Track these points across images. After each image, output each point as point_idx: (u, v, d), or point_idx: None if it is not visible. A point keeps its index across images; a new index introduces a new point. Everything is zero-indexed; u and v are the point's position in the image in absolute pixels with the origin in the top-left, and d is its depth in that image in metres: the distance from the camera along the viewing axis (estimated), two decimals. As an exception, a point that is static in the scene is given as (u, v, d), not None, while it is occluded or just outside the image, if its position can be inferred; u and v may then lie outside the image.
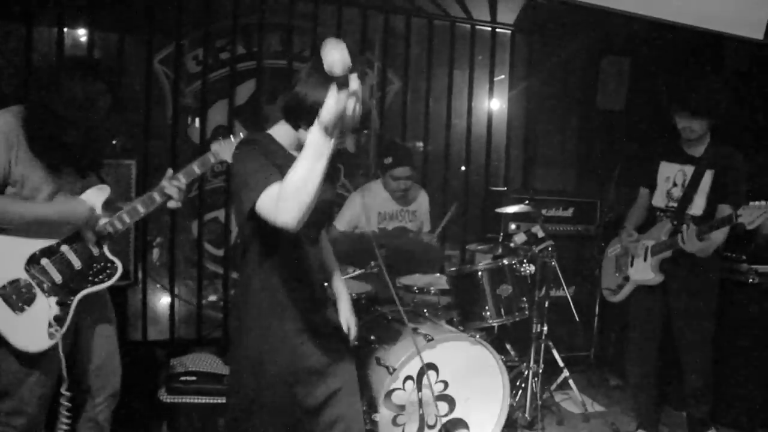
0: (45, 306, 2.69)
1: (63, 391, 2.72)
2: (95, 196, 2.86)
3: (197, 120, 5.25)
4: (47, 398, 2.77)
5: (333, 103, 1.87)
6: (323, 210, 2.44)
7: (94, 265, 2.84)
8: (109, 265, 2.87)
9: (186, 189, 3.04)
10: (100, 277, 2.84)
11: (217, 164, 3.15)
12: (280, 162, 2.22)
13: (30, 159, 2.68)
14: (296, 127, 2.33)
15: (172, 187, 2.96)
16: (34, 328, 2.66)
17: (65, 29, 4.68)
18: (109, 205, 2.92)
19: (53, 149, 2.72)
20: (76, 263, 2.79)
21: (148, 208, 2.94)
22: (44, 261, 2.73)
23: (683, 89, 3.77)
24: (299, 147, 2.23)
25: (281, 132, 2.39)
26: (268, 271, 2.34)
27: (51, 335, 2.66)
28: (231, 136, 3.16)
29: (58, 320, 2.70)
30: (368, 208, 4.44)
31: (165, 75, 5.15)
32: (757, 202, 3.33)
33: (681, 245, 3.62)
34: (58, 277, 2.74)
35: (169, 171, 3.02)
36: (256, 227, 2.26)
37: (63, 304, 2.73)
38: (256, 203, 2.10)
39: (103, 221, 2.86)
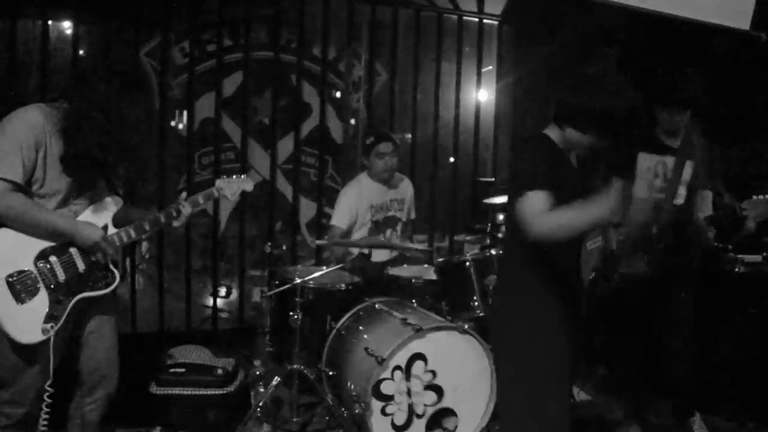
0: (45, 301, 2.71)
1: (46, 386, 2.73)
2: (108, 210, 2.90)
3: (184, 112, 5.23)
4: (42, 392, 2.77)
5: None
6: None
7: (96, 271, 2.86)
8: (109, 274, 2.90)
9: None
10: (99, 284, 2.87)
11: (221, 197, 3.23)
12: (558, 159, 2.44)
13: (54, 161, 2.70)
14: (561, 127, 2.48)
15: (182, 210, 3.03)
16: (30, 321, 2.68)
17: (50, 22, 4.65)
18: (119, 215, 2.94)
19: (85, 160, 2.73)
20: (81, 266, 2.81)
21: (153, 227, 2.99)
22: (53, 258, 2.75)
23: (667, 84, 3.79)
24: (566, 147, 2.50)
25: (554, 133, 2.52)
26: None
27: (45, 331, 2.68)
28: (234, 175, 3.27)
29: (53, 318, 2.72)
30: (361, 201, 4.43)
31: (151, 67, 5.13)
32: (761, 197, 3.36)
33: (690, 235, 3.64)
34: (62, 276, 2.76)
35: (183, 195, 3.07)
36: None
37: (60, 303, 2.74)
38: (519, 199, 2.32)
39: (111, 232, 2.88)
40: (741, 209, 3.40)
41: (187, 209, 3.04)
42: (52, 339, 2.69)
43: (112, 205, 2.92)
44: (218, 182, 3.20)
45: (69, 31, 4.84)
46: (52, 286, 2.73)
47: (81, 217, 2.82)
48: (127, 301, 4.86)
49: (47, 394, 2.74)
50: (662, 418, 4.26)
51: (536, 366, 2.48)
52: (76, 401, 2.99)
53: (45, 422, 2.77)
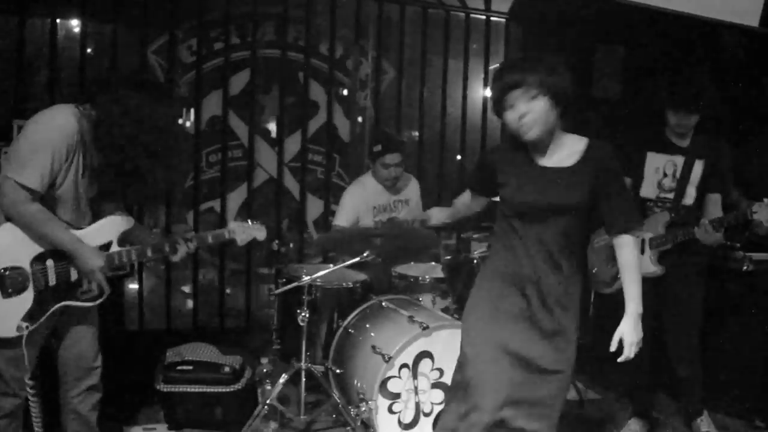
0: (29, 301, 2.71)
1: (26, 380, 2.72)
2: (116, 228, 2.92)
3: (192, 110, 5.24)
4: (23, 382, 2.77)
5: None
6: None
7: (87, 283, 2.87)
8: (97, 287, 2.90)
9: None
10: (86, 296, 2.88)
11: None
12: (507, 170, 2.69)
13: (78, 168, 2.73)
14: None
15: (183, 248, 3.06)
16: (8, 316, 2.67)
17: (58, 20, 4.66)
18: (126, 234, 2.97)
19: (117, 169, 2.74)
20: (74, 276, 2.82)
21: (155, 254, 3.01)
22: (50, 262, 2.76)
23: (677, 86, 3.78)
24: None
25: None
26: None
27: (18, 328, 2.67)
28: (249, 221, 3.34)
29: (31, 317, 2.71)
30: (364, 202, 4.43)
31: (159, 65, 5.14)
32: None
33: (699, 237, 3.63)
34: (53, 282, 2.77)
35: (190, 233, 3.13)
36: None
37: (43, 305, 2.75)
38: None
39: (113, 249, 2.89)
40: (752, 212, 3.39)
41: (192, 246, 3.08)
42: (24, 337, 2.66)
43: (120, 224, 2.94)
44: (231, 224, 3.25)
45: (77, 29, 4.84)
46: (40, 289, 2.73)
47: (86, 230, 2.83)
48: (135, 298, 4.88)
49: (30, 386, 2.71)
50: (669, 416, 4.25)
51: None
52: (63, 396, 3.01)
53: (36, 417, 2.76)
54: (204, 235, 3.12)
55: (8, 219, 2.70)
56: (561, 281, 2.65)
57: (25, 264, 2.71)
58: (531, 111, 2.48)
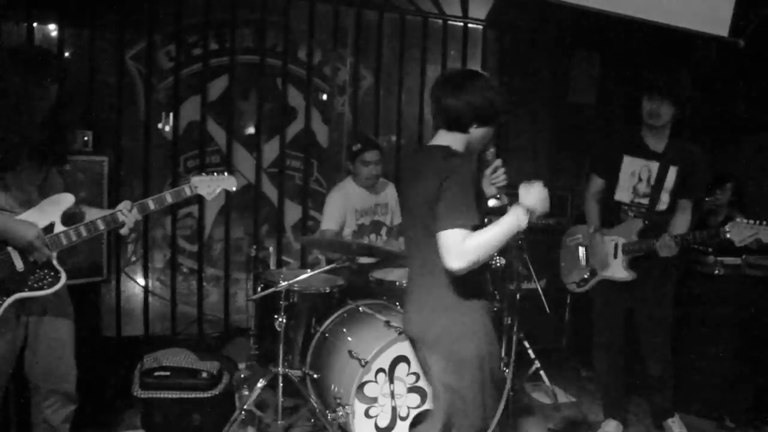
0: None
1: None
2: (56, 207, 2.79)
3: (170, 116, 5.24)
4: None
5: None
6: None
7: (37, 270, 2.73)
8: (52, 273, 2.75)
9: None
10: (40, 284, 2.72)
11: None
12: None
13: None
14: (464, 130, 2.55)
15: (130, 217, 2.89)
16: None
17: (35, 25, 4.65)
18: (72, 211, 2.84)
19: (6, 142, 2.62)
20: (19, 265, 2.69)
21: (109, 226, 2.86)
22: None
23: (653, 74, 3.84)
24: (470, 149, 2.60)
25: (454, 140, 2.58)
26: None
27: None
28: (214, 172, 3.11)
29: None
30: (347, 206, 4.47)
31: (137, 71, 5.14)
32: (746, 221, 3.41)
33: (657, 250, 3.70)
34: None
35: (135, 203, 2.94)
36: None
37: None
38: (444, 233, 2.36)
39: (59, 230, 2.76)
40: (725, 232, 3.45)
41: (136, 212, 2.90)
42: None
43: (61, 203, 2.80)
44: (194, 179, 3.03)
45: (54, 34, 4.83)
46: None
47: (23, 215, 2.70)
48: (112, 304, 4.87)
49: None
50: (641, 418, 4.31)
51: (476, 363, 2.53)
52: (35, 407, 2.91)
53: None
54: (162, 196, 2.92)
55: None
56: None
57: None
58: None
